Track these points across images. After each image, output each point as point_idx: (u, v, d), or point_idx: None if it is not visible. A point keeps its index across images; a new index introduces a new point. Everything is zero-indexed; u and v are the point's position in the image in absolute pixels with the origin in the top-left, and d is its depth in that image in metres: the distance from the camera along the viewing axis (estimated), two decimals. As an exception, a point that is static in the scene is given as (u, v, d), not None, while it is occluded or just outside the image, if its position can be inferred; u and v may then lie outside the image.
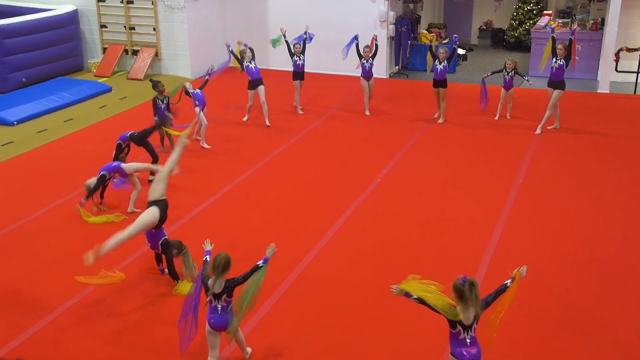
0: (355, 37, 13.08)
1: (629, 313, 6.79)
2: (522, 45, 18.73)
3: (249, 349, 6.08)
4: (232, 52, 12.64)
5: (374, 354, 6.20)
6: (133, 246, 8.37)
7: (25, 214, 9.23)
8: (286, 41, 13.08)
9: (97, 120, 13.08)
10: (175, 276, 7.27)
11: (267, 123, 12.86)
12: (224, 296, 5.54)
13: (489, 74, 13.14)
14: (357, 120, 13.23)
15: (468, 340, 4.91)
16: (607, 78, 14.76)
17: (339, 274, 7.58)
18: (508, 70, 12.76)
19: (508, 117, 13.06)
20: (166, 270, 7.40)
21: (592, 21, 16.19)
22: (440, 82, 12.65)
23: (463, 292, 4.78)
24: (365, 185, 10.01)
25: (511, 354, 6.14)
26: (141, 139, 9.81)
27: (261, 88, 12.70)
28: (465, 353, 4.90)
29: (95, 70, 16.72)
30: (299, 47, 13.10)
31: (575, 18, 17.18)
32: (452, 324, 4.89)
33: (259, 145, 11.76)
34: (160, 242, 7.19)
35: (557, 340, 6.37)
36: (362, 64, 13.09)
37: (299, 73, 13.33)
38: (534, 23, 17.73)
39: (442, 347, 5.85)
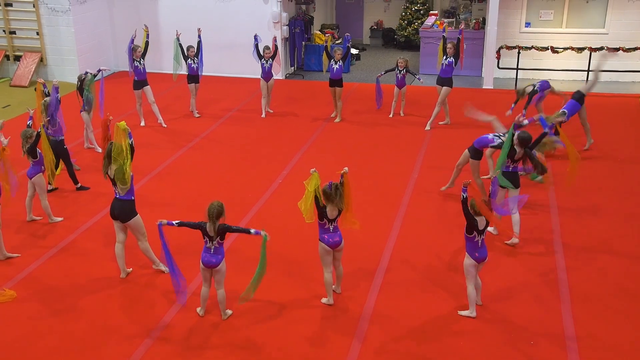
0: (256, 38, 13.07)
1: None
2: (412, 44, 19.41)
3: (228, 311, 6.92)
4: (131, 48, 12.35)
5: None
6: (19, 266, 8.01)
7: None
8: (180, 44, 12.86)
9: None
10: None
11: (162, 123, 12.69)
12: (217, 239, 6.53)
13: (382, 73, 13.50)
14: (255, 122, 13.24)
15: (331, 229, 6.75)
16: (490, 74, 15.61)
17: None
18: (400, 69, 13.17)
19: (402, 114, 13.51)
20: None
21: (475, 20, 17.05)
22: (336, 82, 12.88)
23: (330, 194, 6.59)
24: (266, 187, 10.06)
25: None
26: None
27: (147, 88, 12.53)
28: (327, 237, 6.76)
29: (-27, 78, 15.73)
30: (193, 50, 12.95)
31: (459, 18, 18.01)
32: (320, 217, 6.71)
33: (156, 151, 11.51)
34: None
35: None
36: (262, 65, 13.08)
37: (193, 76, 13.17)
38: (422, 23, 18.42)
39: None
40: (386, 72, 13.51)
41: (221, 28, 16.18)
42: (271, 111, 13.71)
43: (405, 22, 19.51)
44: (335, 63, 12.77)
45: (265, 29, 15.87)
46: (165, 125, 12.72)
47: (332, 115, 13.38)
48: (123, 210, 7.35)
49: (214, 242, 6.60)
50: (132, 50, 12.31)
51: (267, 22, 16.06)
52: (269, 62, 13.07)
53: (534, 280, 7.56)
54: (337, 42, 18.05)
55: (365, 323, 6.80)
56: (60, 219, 9.01)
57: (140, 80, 12.48)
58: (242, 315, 6.94)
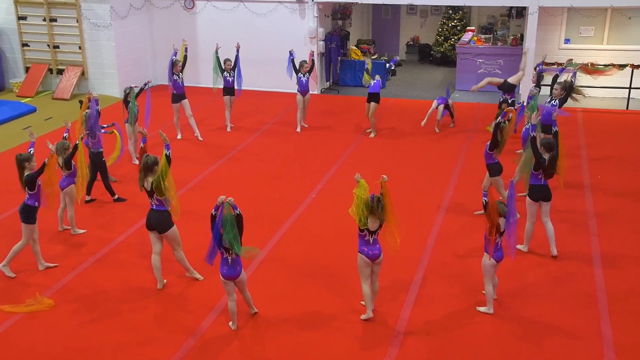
0: (291, 53, 13.18)
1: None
2: (448, 60, 19.33)
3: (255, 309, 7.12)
4: (172, 61, 12.54)
5: None
6: (57, 275, 8.13)
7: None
8: (217, 57, 13.04)
9: (21, 142, 12.59)
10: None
11: (199, 137, 12.85)
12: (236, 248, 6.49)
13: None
14: (290, 136, 13.28)
15: (371, 241, 6.68)
16: (527, 91, 15.35)
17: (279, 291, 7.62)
18: None
19: (452, 125, 13.71)
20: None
21: (512, 37, 16.90)
22: (373, 96, 12.87)
23: (372, 206, 6.53)
24: (300, 201, 10.06)
25: None
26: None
27: (185, 102, 12.69)
28: (367, 249, 6.71)
29: (17, 91, 16.14)
30: (230, 64, 13.11)
31: (497, 34, 17.88)
32: (361, 229, 6.65)
33: (192, 164, 11.62)
34: None
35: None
36: (299, 79, 13.17)
37: (229, 89, 13.31)
38: (459, 39, 18.34)
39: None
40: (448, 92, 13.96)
41: (258, 43, 16.34)
42: (306, 125, 13.77)
43: (442, 37, 19.45)
44: (373, 79, 12.88)
45: (301, 44, 15.98)
46: (202, 139, 12.86)
47: (367, 130, 13.38)
48: (160, 222, 7.42)
49: (232, 253, 6.56)
50: (173, 64, 12.50)
51: (303, 37, 16.16)
52: (306, 76, 13.17)
53: (566, 284, 7.40)
54: (373, 57, 18.08)
55: (400, 336, 6.72)
56: (83, 231, 9.10)
57: (179, 94, 12.66)
58: (277, 327, 6.92)
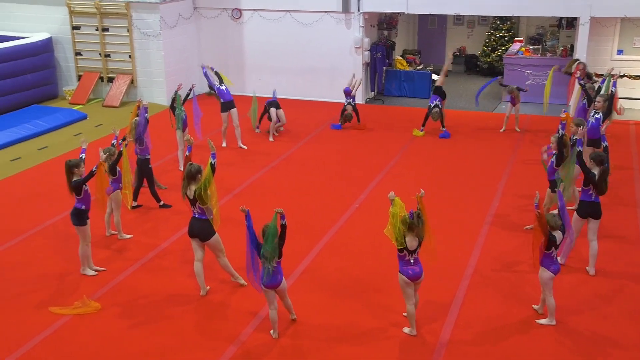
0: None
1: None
2: (495, 71, 19.01)
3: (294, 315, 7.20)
4: (206, 74, 12.75)
5: None
6: (103, 279, 8.29)
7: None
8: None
9: (72, 148, 12.93)
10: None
11: (242, 146, 13.00)
12: (275, 258, 6.54)
13: (502, 84, 14.59)
14: (334, 146, 13.29)
15: (412, 261, 6.55)
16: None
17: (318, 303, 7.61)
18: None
19: (517, 129, 13.77)
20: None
21: (562, 48, 16.56)
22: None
23: (412, 223, 6.42)
24: (342, 211, 10.04)
25: None
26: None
27: (234, 111, 12.83)
28: (408, 269, 6.58)
29: (70, 98, 16.61)
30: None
31: (546, 45, 17.56)
32: (400, 248, 6.49)
33: (236, 171, 11.72)
34: None
35: None
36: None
37: (273, 101, 13.67)
38: (506, 49, 18.07)
39: None
40: (502, 85, 14.49)
41: (303, 52, 16.44)
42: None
43: (489, 48, 19.19)
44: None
45: (347, 54, 16.02)
46: (245, 147, 12.97)
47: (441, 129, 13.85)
48: (202, 230, 7.50)
49: (273, 263, 6.58)
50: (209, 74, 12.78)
51: (349, 47, 16.19)
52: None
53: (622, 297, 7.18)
54: (418, 67, 17.97)
55: (442, 350, 6.61)
56: (129, 236, 9.27)
57: (227, 102, 12.78)
58: (317, 337, 6.90)
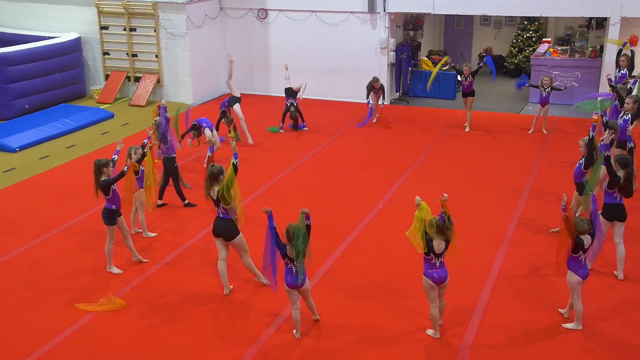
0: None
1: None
2: (522, 72, 18.80)
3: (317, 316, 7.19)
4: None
5: None
6: (131, 276, 8.37)
7: (27, 240, 9.22)
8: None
9: (99, 147, 13.12)
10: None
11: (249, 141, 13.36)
12: (303, 258, 6.54)
13: (527, 84, 14.36)
14: (358, 146, 13.26)
15: (438, 264, 6.49)
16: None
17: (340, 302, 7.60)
18: (545, 87, 13.35)
19: (544, 131, 13.65)
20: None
21: (591, 48, 16.31)
22: (468, 94, 13.83)
23: (442, 226, 6.34)
24: (367, 212, 10.01)
25: None
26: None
27: (237, 106, 13.18)
28: (433, 273, 6.52)
29: (97, 97, 16.82)
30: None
31: (575, 45, 17.31)
32: (427, 252, 6.44)
33: (261, 168, 11.77)
34: None
35: None
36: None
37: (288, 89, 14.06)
38: (534, 50, 17.86)
39: None
40: (531, 85, 14.42)
41: (329, 52, 16.45)
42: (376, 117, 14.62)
43: (516, 49, 18.99)
44: (465, 79, 13.64)
45: (372, 55, 15.97)
46: (252, 143, 13.27)
47: (465, 123, 14.10)
48: (227, 229, 7.53)
49: (297, 263, 6.58)
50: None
51: (374, 48, 16.14)
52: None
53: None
54: (443, 68, 17.85)
55: (466, 351, 6.56)
56: (154, 234, 9.35)
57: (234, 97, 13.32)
58: (339, 338, 6.89)
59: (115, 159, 8.32)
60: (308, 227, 6.56)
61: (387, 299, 7.64)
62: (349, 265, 8.47)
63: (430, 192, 10.71)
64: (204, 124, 11.22)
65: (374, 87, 14.17)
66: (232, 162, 7.33)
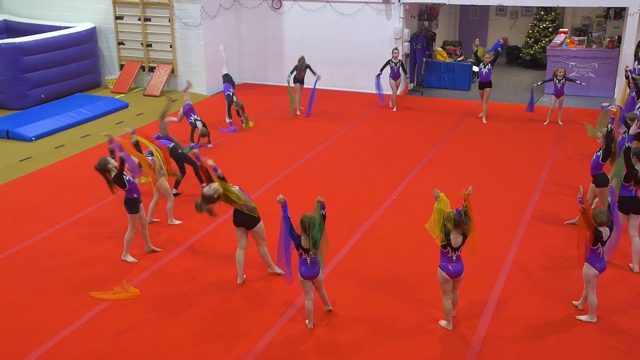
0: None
1: None
2: (537, 63, 18.67)
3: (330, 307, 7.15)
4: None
5: None
6: (145, 264, 8.42)
7: (43, 229, 9.30)
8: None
9: (114, 137, 13.16)
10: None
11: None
12: (313, 249, 6.52)
13: (539, 84, 13.97)
14: (373, 136, 13.22)
15: (454, 258, 6.45)
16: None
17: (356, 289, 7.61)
18: (559, 78, 13.27)
19: (560, 122, 13.60)
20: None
21: (609, 39, 16.12)
22: (485, 84, 13.73)
23: (460, 220, 6.28)
24: (381, 202, 10.00)
25: None
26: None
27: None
28: (449, 266, 6.47)
29: (112, 87, 16.89)
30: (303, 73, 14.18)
31: (592, 36, 17.12)
32: (444, 245, 6.39)
33: (274, 160, 11.78)
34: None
35: None
36: (391, 67, 14.39)
37: (299, 79, 14.33)
38: (550, 41, 17.68)
39: None
40: (543, 82, 14.30)
41: (343, 43, 16.39)
42: (395, 109, 14.85)
43: (532, 39, 18.81)
44: (484, 67, 13.57)
45: (386, 45, 15.87)
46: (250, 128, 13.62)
47: (480, 115, 14.08)
48: (248, 219, 7.55)
49: (310, 254, 6.59)
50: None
51: (388, 38, 16.05)
52: (397, 64, 14.45)
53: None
54: (458, 59, 17.73)
55: (477, 346, 6.54)
56: (179, 222, 9.41)
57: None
58: (351, 328, 6.90)
59: (112, 147, 8.23)
60: (323, 216, 6.56)
61: (400, 290, 7.63)
62: (362, 256, 8.46)
63: (444, 183, 10.69)
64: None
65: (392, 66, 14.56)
66: (217, 176, 7.29)
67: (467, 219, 6.35)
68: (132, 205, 8.15)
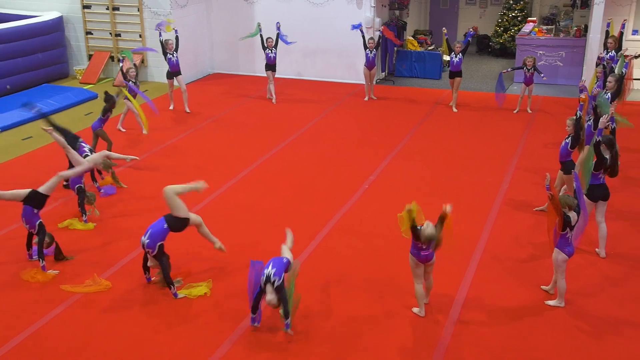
0: (359, 25, 14.58)
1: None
2: (507, 52, 18.88)
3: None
4: (162, 42, 13.81)
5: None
6: (117, 255, 8.34)
7: (14, 220, 9.15)
8: (261, 35, 14.40)
9: (83, 127, 12.95)
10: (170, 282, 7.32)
11: (187, 109, 13.97)
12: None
13: (508, 70, 14.59)
14: (343, 125, 13.26)
15: (424, 247, 6.58)
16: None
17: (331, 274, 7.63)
18: (528, 67, 13.50)
19: (529, 111, 13.79)
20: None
21: (576, 28, 16.37)
22: (456, 73, 13.92)
23: (418, 236, 6.45)
24: (353, 191, 10.04)
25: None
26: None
27: (180, 78, 13.94)
28: (421, 253, 6.63)
29: (80, 77, 16.62)
30: (271, 41, 14.25)
31: (559, 25, 17.34)
32: (415, 237, 6.52)
33: (244, 152, 11.74)
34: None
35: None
36: (367, 55, 14.41)
37: (271, 65, 14.44)
38: (519, 30, 17.87)
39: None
40: (513, 69, 14.72)
41: (314, 32, 16.34)
42: (374, 97, 14.86)
43: (502, 28, 19.00)
44: (455, 56, 13.78)
45: (357, 35, 15.83)
46: (189, 111, 13.89)
47: (450, 104, 14.23)
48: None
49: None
50: (165, 43, 13.62)
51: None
52: (372, 52, 14.39)
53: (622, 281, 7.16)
54: (429, 48, 17.83)
55: (450, 329, 6.64)
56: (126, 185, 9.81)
57: (173, 72, 13.89)
58: (324, 320, 6.93)
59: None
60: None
61: (372, 278, 7.68)
62: (334, 247, 8.49)
63: (416, 171, 10.76)
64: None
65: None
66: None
67: (437, 229, 6.47)
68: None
